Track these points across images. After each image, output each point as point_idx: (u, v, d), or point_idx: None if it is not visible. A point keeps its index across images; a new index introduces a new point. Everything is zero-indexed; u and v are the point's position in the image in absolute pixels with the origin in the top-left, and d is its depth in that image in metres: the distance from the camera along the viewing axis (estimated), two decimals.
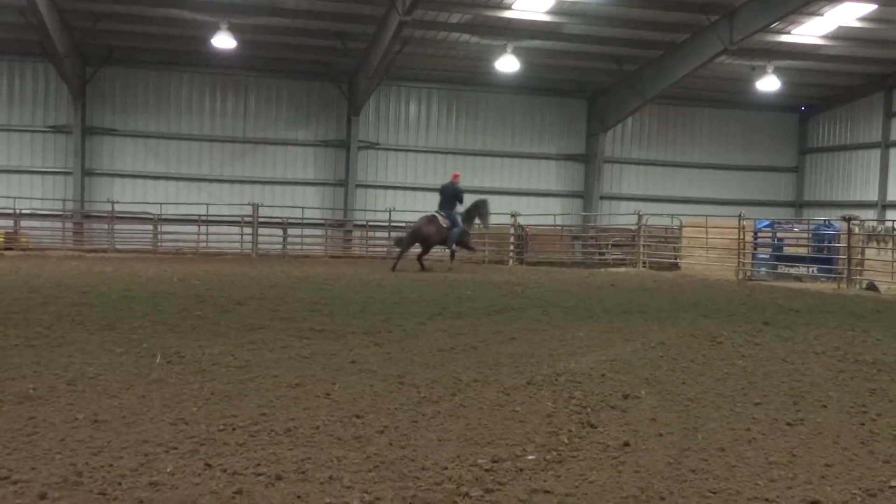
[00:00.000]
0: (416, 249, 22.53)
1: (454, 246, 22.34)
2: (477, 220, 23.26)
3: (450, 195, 22.31)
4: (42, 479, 4.44)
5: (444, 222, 21.88)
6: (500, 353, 8.79)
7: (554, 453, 5.18)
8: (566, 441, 5.46)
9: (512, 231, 29.54)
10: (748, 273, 23.29)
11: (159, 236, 29.46)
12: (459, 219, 22.14)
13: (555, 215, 31.59)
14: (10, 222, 28.62)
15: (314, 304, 13.07)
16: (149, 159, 30.88)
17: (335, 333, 9.87)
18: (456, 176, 23.30)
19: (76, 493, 4.25)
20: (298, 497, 4.29)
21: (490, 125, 33.36)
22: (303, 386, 6.92)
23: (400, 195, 32.32)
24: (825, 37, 26.86)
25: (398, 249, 22.59)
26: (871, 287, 20.08)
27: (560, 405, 6.45)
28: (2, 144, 30.08)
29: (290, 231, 30.19)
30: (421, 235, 21.84)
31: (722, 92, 33.29)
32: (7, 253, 25.84)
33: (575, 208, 33.74)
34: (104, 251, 27.81)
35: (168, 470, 4.65)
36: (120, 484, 4.40)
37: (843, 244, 21.65)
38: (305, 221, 30.63)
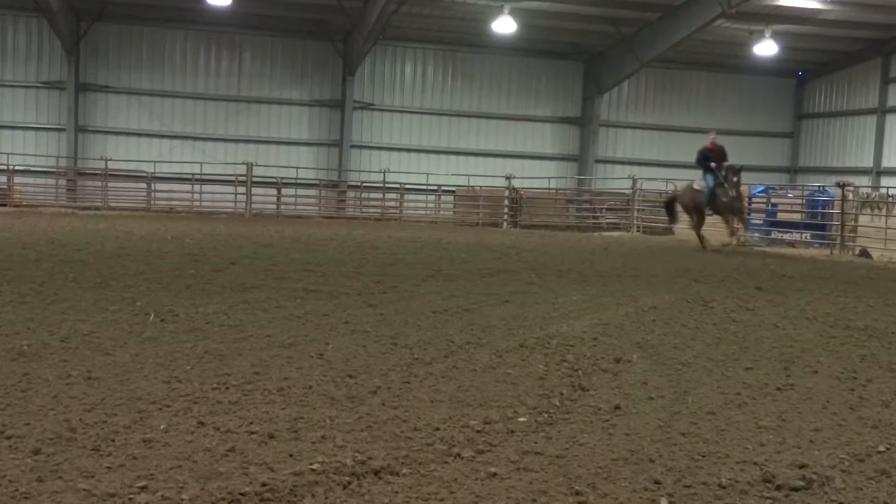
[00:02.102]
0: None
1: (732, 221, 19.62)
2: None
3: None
4: (36, 434, 4.45)
5: (697, 185, 19.80)
6: (493, 315, 8.81)
7: (545, 415, 5.21)
8: (558, 403, 5.48)
9: (506, 194, 29.54)
10: (742, 238, 23.30)
11: (153, 194, 29.37)
12: (710, 181, 19.35)
13: (549, 178, 31.55)
14: (3, 179, 28.48)
15: (308, 264, 13.07)
16: (142, 117, 30.67)
17: (329, 294, 9.88)
18: (710, 134, 20.48)
19: (70, 449, 4.26)
20: (291, 455, 4.31)
21: (486, 87, 33.16)
22: (296, 346, 6.93)
23: (395, 156, 32.20)
24: (824, 1, 26.66)
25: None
26: (864, 254, 20.14)
27: (552, 368, 6.48)
28: None
29: (283, 191, 30.12)
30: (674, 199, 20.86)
31: (719, 56, 33.08)
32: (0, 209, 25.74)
33: (570, 172, 33.66)
34: (97, 209, 27.74)
35: (161, 427, 4.66)
36: (113, 440, 4.42)
37: (836, 210, 21.69)
38: (299, 181, 30.55)
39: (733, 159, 32.24)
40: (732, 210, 19.36)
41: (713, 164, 19.19)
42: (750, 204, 24.97)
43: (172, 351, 6.55)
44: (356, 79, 31.51)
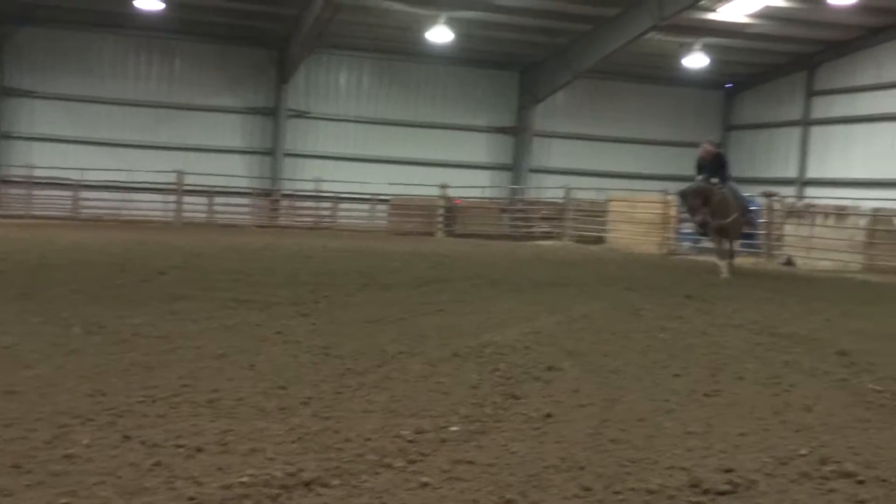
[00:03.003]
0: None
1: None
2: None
3: None
4: None
5: None
6: (426, 325, 8.82)
7: (477, 424, 5.23)
8: (490, 412, 5.51)
9: (441, 203, 29.60)
10: (672, 248, 23.71)
11: (79, 203, 28.76)
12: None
13: (483, 188, 31.71)
14: None
15: (239, 273, 12.93)
16: (69, 123, 29.97)
17: (261, 304, 9.79)
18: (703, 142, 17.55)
19: None
20: (219, 469, 4.25)
21: (421, 96, 33.21)
22: (226, 357, 6.85)
23: (329, 165, 32.01)
24: (752, 15, 27.32)
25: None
26: (789, 262, 20.64)
27: (485, 377, 6.51)
28: None
29: (215, 200, 29.74)
30: None
31: (651, 68, 33.63)
32: None
33: (504, 181, 33.87)
34: (21, 217, 27.05)
35: (84, 442, 4.56)
36: (34, 456, 4.30)
37: (763, 220, 22.20)
38: (231, 190, 30.19)
39: (664, 168, 31.76)
40: (717, 230, 16.45)
41: (701, 177, 16.53)
42: (680, 213, 25.33)
43: (98, 363, 6.41)
44: (290, 86, 31.29)
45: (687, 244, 24.32)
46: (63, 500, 3.73)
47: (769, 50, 31.66)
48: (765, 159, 34.59)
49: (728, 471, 4.53)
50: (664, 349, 7.97)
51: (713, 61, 30.98)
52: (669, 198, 23.86)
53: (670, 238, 24.04)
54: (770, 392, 6.39)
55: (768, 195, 21.96)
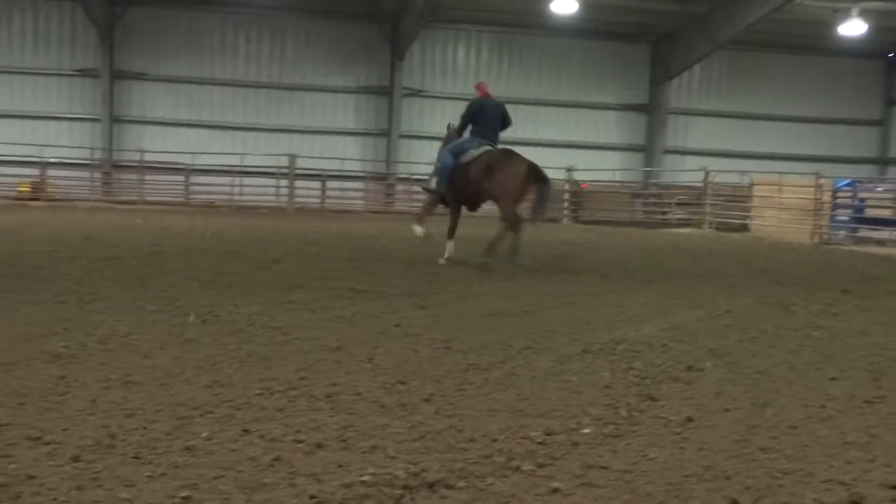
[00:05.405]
0: None
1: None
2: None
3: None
4: (75, 441, 4.55)
5: None
6: (553, 318, 8.79)
7: (611, 427, 5.18)
8: (625, 414, 5.46)
9: (566, 187, 29.41)
10: (825, 237, 22.97)
11: (191, 188, 29.79)
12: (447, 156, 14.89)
13: (614, 170, 31.35)
14: (36, 171, 29.11)
15: (355, 262, 13.18)
16: (180, 106, 31.12)
17: (378, 294, 9.94)
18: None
19: (109, 457, 4.34)
20: (340, 466, 4.35)
21: (544, 72, 33.07)
22: (344, 349, 6.98)
23: None
24: None
25: None
26: None
27: (618, 376, 6.45)
28: (27, 89, 30.54)
29: (328, 184, 30.34)
30: None
31: (800, 37, 32.61)
32: (33, 204, 26.30)
33: (636, 163, 33.43)
34: (133, 203, 28.22)
35: (204, 435, 4.73)
36: (154, 448, 4.49)
37: None
38: (345, 174, 30.74)
39: (816, 149, 30.72)
40: None
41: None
42: (835, 199, 24.52)
43: (214, 354, 6.63)
44: (405, 64, 31.63)
45: (843, 233, 23.52)
46: (184, 494, 3.89)
47: None
48: None
49: (894, 487, 4.38)
50: (818, 349, 7.72)
51: (872, 28, 29.78)
52: (822, 181, 23.14)
53: (823, 226, 23.27)
54: None
55: None
